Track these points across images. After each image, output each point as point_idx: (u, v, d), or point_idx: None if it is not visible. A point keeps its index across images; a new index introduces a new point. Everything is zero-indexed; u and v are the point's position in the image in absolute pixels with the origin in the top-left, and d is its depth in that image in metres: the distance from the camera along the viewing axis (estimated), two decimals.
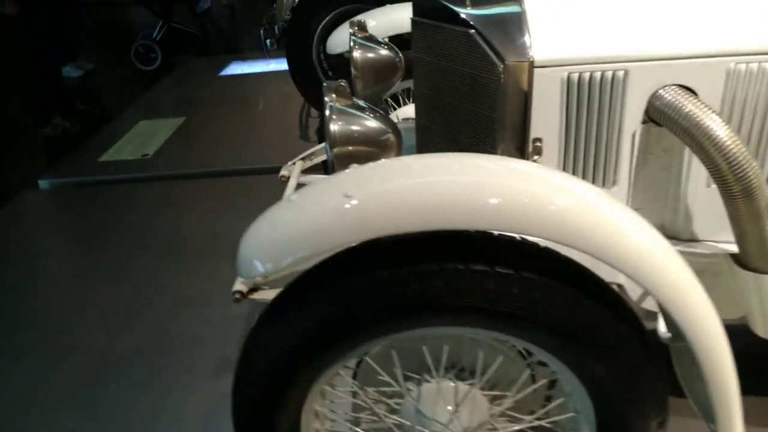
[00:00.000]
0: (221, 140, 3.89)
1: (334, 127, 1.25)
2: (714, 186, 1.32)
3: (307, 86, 3.76)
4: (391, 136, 1.29)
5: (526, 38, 1.28)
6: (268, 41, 3.71)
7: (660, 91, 1.26)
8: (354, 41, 1.82)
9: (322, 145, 2.12)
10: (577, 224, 0.90)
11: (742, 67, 1.22)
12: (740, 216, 1.18)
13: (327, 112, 1.26)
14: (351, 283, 0.95)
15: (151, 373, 1.95)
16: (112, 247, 2.75)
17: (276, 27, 3.72)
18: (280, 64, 5.57)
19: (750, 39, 1.21)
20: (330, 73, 3.71)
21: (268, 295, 1.50)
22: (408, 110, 2.35)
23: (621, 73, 1.26)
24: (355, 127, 1.25)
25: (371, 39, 1.82)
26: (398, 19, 2.11)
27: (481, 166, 0.94)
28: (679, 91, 1.24)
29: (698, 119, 1.18)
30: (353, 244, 0.92)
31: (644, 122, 1.30)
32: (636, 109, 1.29)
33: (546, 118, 1.32)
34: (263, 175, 3.35)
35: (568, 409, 1.13)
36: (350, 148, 1.24)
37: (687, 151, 1.33)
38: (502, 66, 1.28)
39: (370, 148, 1.26)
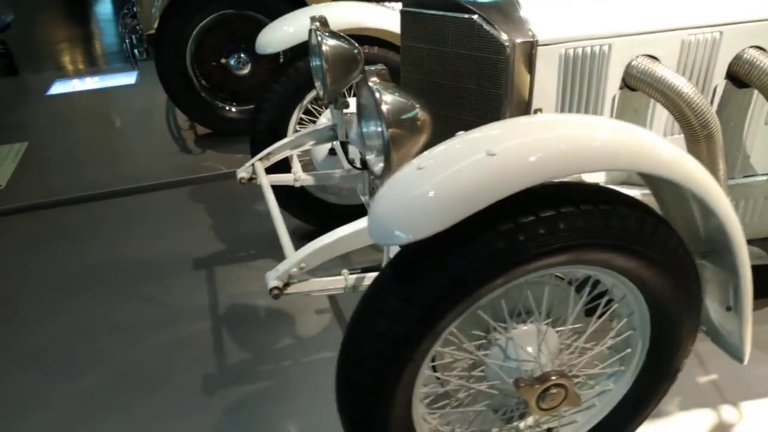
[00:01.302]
0: (86, 161, 3.53)
1: (386, 108, 1.31)
2: (674, 136, 1.65)
3: (182, 95, 3.58)
4: (428, 115, 1.38)
5: (527, 21, 1.47)
6: (136, 51, 3.45)
7: (633, 61, 1.52)
8: (319, 36, 1.85)
9: (278, 144, 2.11)
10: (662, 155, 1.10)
11: (691, 38, 1.54)
12: (702, 155, 1.49)
13: (376, 95, 1.31)
14: (494, 229, 1.04)
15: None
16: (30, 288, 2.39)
17: (140, 36, 3.47)
18: (114, 79, 5.18)
19: (698, 15, 1.53)
20: (203, 82, 3.58)
21: (302, 287, 1.51)
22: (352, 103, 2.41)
23: (606, 47, 1.50)
24: (421, 110, 1.32)
25: (334, 34, 1.87)
26: (353, 15, 2.17)
27: (580, 121, 1.10)
28: (648, 60, 1.52)
29: (669, 81, 1.46)
30: (501, 198, 1.01)
31: (621, 88, 1.57)
32: (615, 77, 1.54)
33: (545, 90, 1.52)
34: (158, 191, 3.14)
35: (627, 328, 1.33)
36: (404, 124, 1.31)
37: (650, 110, 1.62)
38: (511, 46, 1.45)
39: (418, 127, 1.34)
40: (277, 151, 2.09)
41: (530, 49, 1.47)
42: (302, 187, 2.45)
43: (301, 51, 2.30)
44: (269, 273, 1.51)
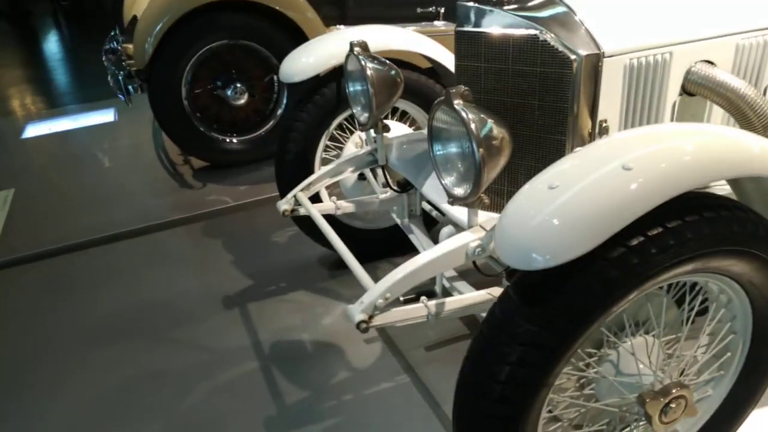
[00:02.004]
0: (80, 205, 3.38)
1: (475, 128, 1.28)
2: None
3: (180, 130, 3.48)
4: (509, 134, 1.36)
5: (591, 33, 1.47)
6: (131, 87, 3.33)
7: (693, 67, 1.55)
8: (363, 60, 1.82)
9: (319, 173, 2.06)
10: None
11: (746, 41, 1.57)
12: None
13: (464, 115, 1.29)
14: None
15: None
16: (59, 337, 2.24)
17: (129, 72, 3.36)
18: (91, 118, 5.02)
19: (750, 19, 1.56)
20: (198, 114, 3.49)
21: (387, 318, 1.45)
22: (397, 128, 2.38)
23: (668, 55, 1.52)
24: (499, 127, 1.30)
25: (376, 58, 1.85)
26: (387, 38, 2.14)
27: (707, 131, 1.11)
28: (707, 65, 1.55)
29: (731, 84, 1.49)
30: (642, 214, 0.99)
31: (680, 94, 1.59)
32: (675, 83, 1.56)
33: (611, 101, 1.53)
34: (165, 230, 3.02)
35: (729, 332, 1.33)
36: (492, 143, 1.29)
37: (706, 114, 1.65)
38: (578, 60, 1.45)
39: (503, 147, 1.32)
40: (318, 180, 2.03)
41: (597, 62, 1.47)
42: (330, 214, 2.41)
43: (327, 78, 2.28)
44: (352, 307, 1.46)
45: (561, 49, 1.47)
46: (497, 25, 1.58)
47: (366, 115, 1.90)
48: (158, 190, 3.48)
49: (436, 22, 3.99)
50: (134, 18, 4.10)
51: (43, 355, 2.21)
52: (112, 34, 4.13)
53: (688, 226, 1.06)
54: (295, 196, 2.01)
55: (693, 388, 1.39)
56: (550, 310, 1.04)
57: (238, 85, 3.50)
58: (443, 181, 1.45)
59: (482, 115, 1.32)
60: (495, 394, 1.08)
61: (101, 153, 4.19)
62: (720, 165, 1.04)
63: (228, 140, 3.57)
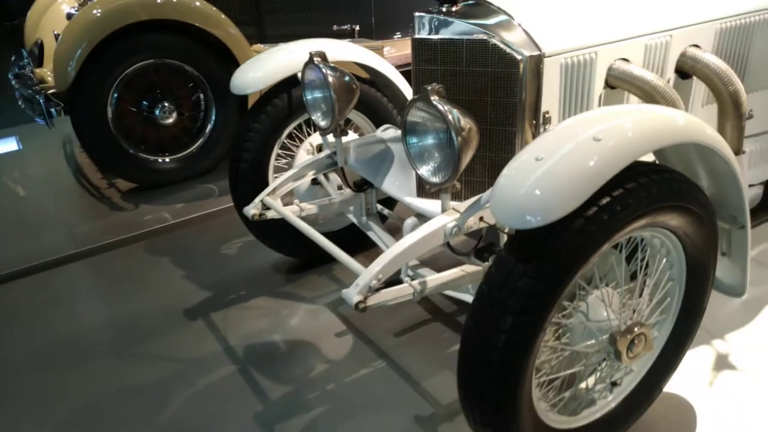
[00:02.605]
0: (4, 236, 3.21)
1: (452, 119, 1.46)
2: None
3: (107, 154, 3.41)
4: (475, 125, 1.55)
5: (532, 37, 1.71)
6: (53, 110, 3.20)
7: (613, 64, 1.83)
8: (324, 68, 1.95)
9: (283, 178, 2.15)
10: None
11: (651, 42, 1.88)
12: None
13: (441, 108, 1.46)
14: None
15: None
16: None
17: (47, 95, 3.23)
18: None
19: (655, 22, 1.87)
20: (125, 136, 3.43)
21: (380, 298, 1.59)
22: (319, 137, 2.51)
23: (594, 54, 1.79)
24: (466, 118, 1.48)
25: (334, 67, 1.99)
26: (335, 50, 2.27)
27: (646, 109, 1.35)
28: (624, 62, 1.83)
29: (645, 78, 1.78)
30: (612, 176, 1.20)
31: (604, 87, 1.86)
32: (600, 78, 1.84)
33: (551, 95, 1.77)
34: (106, 252, 2.95)
35: (668, 280, 1.59)
36: (466, 133, 1.47)
37: (625, 103, 1.93)
38: (523, 60, 1.68)
39: (474, 135, 1.51)
40: (282, 184, 2.13)
41: (539, 61, 1.71)
42: (283, 221, 2.50)
43: (277, 89, 2.38)
44: (347, 291, 1.57)
45: (509, 51, 1.69)
46: (450, 32, 1.78)
47: (327, 120, 2.03)
48: (87, 215, 3.38)
49: (351, 39, 4.17)
50: (39, 41, 3.98)
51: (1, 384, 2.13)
52: (14, 58, 3.97)
53: (641, 187, 1.29)
54: (262, 200, 2.10)
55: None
56: (543, 264, 1.23)
57: (166, 104, 3.49)
58: (419, 172, 1.62)
59: (455, 109, 1.50)
60: (500, 342, 1.26)
61: (12, 182, 3.97)
62: (664, 134, 1.29)
63: (160, 160, 3.54)
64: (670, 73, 1.97)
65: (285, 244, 2.58)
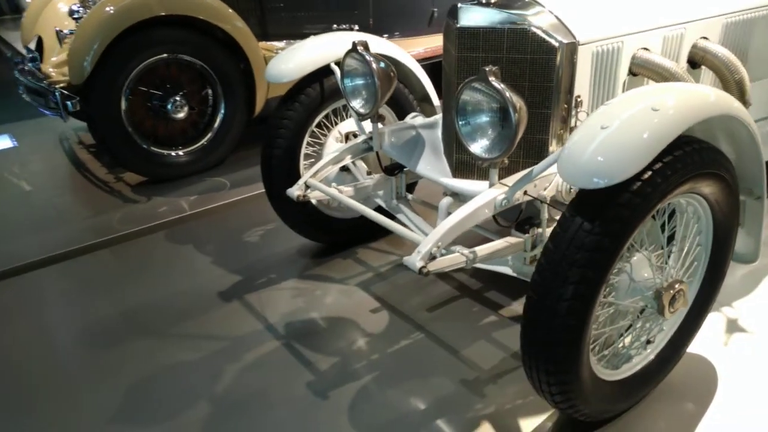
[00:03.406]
0: (21, 228, 3.21)
1: (511, 98, 1.60)
2: None
3: (122, 148, 3.45)
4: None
5: (568, 26, 1.86)
6: (69, 103, 3.21)
7: (636, 53, 2.00)
8: (368, 56, 2.07)
9: (323, 162, 2.25)
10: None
11: (669, 34, 2.06)
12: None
13: (499, 87, 1.60)
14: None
15: None
16: None
17: (52, 89, 3.24)
18: None
19: (671, 15, 2.05)
20: (130, 129, 3.47)
21: (440, 264, 1.71)
22: (348, 124, 2.62)
23: (620, 44, 1.96)
24: (518, 97, 1.63)
25: (376, 56, 2.11)
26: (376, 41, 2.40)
27: (688, 87, 1.52)
28: (645, 51, 2.01)
29: (666, 66, 1.96)
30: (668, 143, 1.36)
31: (628, 74, 2.03)
32: (625, 66, 2.01)
33: (582, 80, 1.93)
34: (130, 240, 2.99)
35: (697, 246, 1.75)
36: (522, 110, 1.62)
37: None
38: (561, 47, 1.83)
39: (525, 113, 1.65)
40: (324, 167, 2.24)
41: (573, 49, 1.87)
42: (314, 207, 2.61)
43: (309, 79, 2.48)
44: (409, 258, 1.69)
45: (547, 39, 1.84)
46: (491, 21, 1.92)
47: (369, 106, 2.15)
48: (100, 208, 3.40)
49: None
50: (37, 38, 3.99)
51: (47, 364, 2.17)
52: (10, 54, 3.97)
53: (686, 155, 1.45)
54: (305, 182, 2.20)
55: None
56: (607, 221, 1.38)
57: (177, 99, 3.55)
58: (472, 149, 1.75)
59: (509, 89, 1.64)
60: (568, 293, 1.40)
61: (16, 178, 3.96)
62: (708, 106, 1.46)
63: (173, 153, 3.60)
64: (683, 63, 2.16)
65: (311, 228, 2.68)
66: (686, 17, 2.09)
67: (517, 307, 2.31)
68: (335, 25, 4.25)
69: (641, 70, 2.01)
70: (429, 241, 1.70)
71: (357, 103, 2.21)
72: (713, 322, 2.16)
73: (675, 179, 1.44)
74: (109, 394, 2.01)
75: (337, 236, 2.77)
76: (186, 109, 3.59)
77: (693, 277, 1.81)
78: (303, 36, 4.07)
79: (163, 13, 3.28)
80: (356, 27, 4.30)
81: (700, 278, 1.81)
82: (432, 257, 1.70)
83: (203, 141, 3.69)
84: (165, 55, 3.43)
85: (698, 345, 2.00)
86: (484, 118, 1.71)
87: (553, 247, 1.44)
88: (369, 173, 2.50)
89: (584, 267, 1.39)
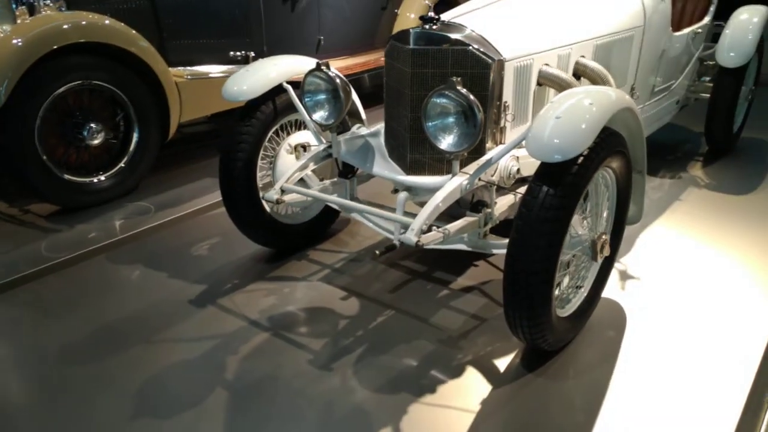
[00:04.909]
0: None
1: (473, 99, 2.04)
2: None
3: (38, 179, 3.35)
4: None
5: (495, 47, 2.36)
6: None
7: (542, 68, 2.57)
8: (332, 73, 2.41)
9: (293, 170, 2.54)
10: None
11: (561, 53, 2.65)
12: None
13: (464, 92, 2.03)
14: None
15: None
16: None
17: None
18: None
19: (563, 38, 2.65)
20: (44, 158, 3.40)
21: (427, 239, 2.09)
22: (301, 136, 2.89)
23: (532, 61, 2.50)
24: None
25: (337, 74, 2.44)
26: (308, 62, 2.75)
27: (601, 88, 2.06)
28: (547, 67, 2.58)
29: (567, 79, 2.55)
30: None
31: (536, 85, 2.59)
32: (535, 78, 2.56)
33: (508, 90, 2.44)
34: (70, 267, 2.96)
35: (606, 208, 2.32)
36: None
37: (546, 96, 2.67)
38: (493, 63, 2.33)
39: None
40: (294, 174, 2.51)
41: (502, 65, 2.37)
42: (269, 215, 2.85)
43: (263, 97, 2.73)
44: (405, 235, 2.05)
45: (483, 57, 2.33)
46: (436, 43, 2.36)
47: (332, 118, 2.48)
48: (21, 241, 3.26)
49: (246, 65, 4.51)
50: None
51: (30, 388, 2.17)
52: None
53: (607, 137, 2.01)
54: (281, 187, 2.46)
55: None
56: (566, 186, 1.87)
57: (92, 125, 3.54)
58: (441, 146, 2.16)
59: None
60: (543, 243, 1.86)
61: None
62: (620, 101, 2.03)
63: (96, 180, 3.57)
64: (570, 75, 2.78)
65: (268, 234, 2.91)
66: (572, 40, 2.71)
67: (462, 281, 2.75)
68: (231, 53, 4.47)
69: (545, 81, 2.59)
70: (419, 220, 2.08)
71: (319, 116, 2.52)
72: (613, 274, 2.77)
73: (603, 155, 1.98)
74: (116, 401, 2.09)
75: (289, 241, 3.02)
76: (101, 135, 3.59)
77: (607, 229, 2.39)
78: (202, 63, 4.31)
79: (82, 40, 3.31)
80: (252, 54, 4.56)
81: (608, 231, 2.39)
82: (422, 233, 2.09)
83: (121, 164, 3.70)
84: (79, 81, 3.43)
85: (607, 291, 2.59)
86: (450, 119, 2.14)
87: (526, 211, 1.90)
88: (322, 179, 2.82)
89: (553, 221, 1.86)
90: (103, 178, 3.61)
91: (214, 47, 4.40)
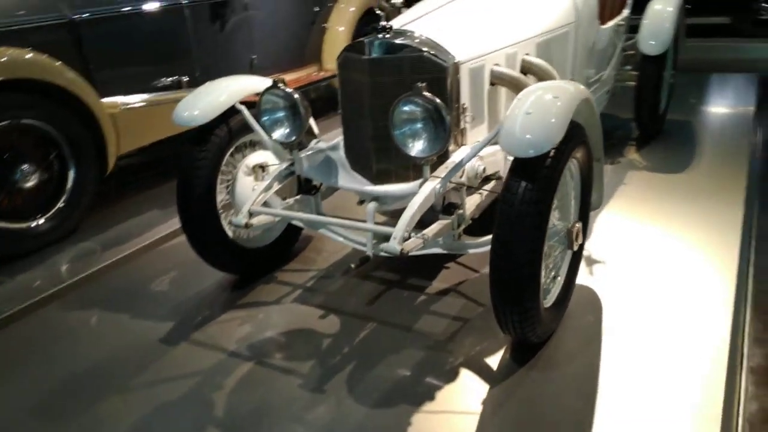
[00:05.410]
0: None
1: (440, 104, 2.05)
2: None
3: None
4: None
5: (449, 50, 2.39)
6: None
7: (493, 68, 2.62)
8: (292, 92, 2.36)
9: (258, 192, 2.47)
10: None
11: (509, 52, 2.72)
12: None
13: (431, 97, 2.04)
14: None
15: None
16: None
17: None
18: None
19: (509, 38, 2.72)
20: None
21: (410, 245, 2.08)
22: (257, 156, 2.81)
23: (484, 62, 2.55)
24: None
25: (294, 91, 2.40)
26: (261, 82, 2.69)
27: (563, 83, 2.13)
28: (498, 67, 2.64)
29: (516, 77, 2.62)
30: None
31: (489, 85, 2.64)
32: (487, 79, 2.61)
33: (464, 91, 2.48)
34: (29, 315, 2.74)
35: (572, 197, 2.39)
36: None
37: (500, 94, 2.73)
38: (449, 67, 2.35)
39: None
40: (260, 196, 2.44)
41: (457, 68, 2.40)
42: (232, 240, 2.76)
43: (216, 121, 2.64)
44: (387, 245, 2.03)
45: (439, 61, 2.35)
46: (394, 51, 2.36)
47: (294, 135, 2.43)
48: None
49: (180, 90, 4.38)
50: None
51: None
52: None
53: (572, 130, 2.06)
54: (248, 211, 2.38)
55: None
56: (542, 179, 1.91)
57: (25, 166, 3.32)
58: (412, 153, 2.15)
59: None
60: (526, 234, 1.90)
61: None
62: (580, 93, 2.09)
63: (36, 223, 3.33)
64: (518, 73, 2.85)
65: (231, 260, 2.82)
66: (516, 39, 2.79)
67: (437, 284, 2.76)
68: (164, 79, 4.32)
69: (497, 81, 2.64)
70: (400, 228, 2.07)
71: (279, 134, 2.47)
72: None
73: (571, 146, 2.04)
74: None
75: (254, 264, 2.93)
76: (36, 175, 3.37)
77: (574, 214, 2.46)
78: (135, 92, 4.13)
79: (9, 77, 3.10)
80: (185, 78, 4.43)
81: (575, 219, 2.47)
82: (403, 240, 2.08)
83: (59, 205, 3.48)
84: (6, 122, 3.21)
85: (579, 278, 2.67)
86: (418, 125, 2.15)
87: (507, 207, 1.93)
88: (284, 198, 2.75)
89: (534, 215, 1.90)
90: (41, 221, 3.39)
91: (145, 74, 4.23)
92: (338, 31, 5.62)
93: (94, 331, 2.66)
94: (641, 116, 4.39)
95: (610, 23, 3.95)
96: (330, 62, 5.68)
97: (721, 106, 5.48)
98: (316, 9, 5.53)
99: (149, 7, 4.18)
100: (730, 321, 2.36)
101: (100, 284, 3.06)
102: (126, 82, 4.09)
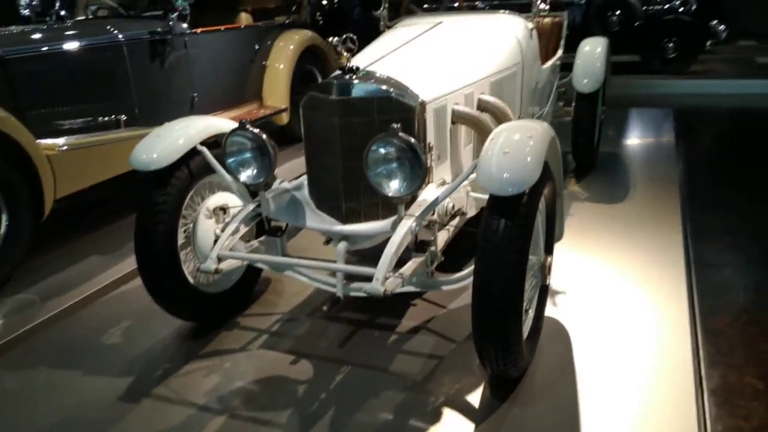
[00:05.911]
0: None
1: (415, 143, 2.07)
2: (470, 144, 2.88)
3: None
4: None
5: (416, 91, 2.43)
6: None
7: (453, 107, 2.68)
8: (258, 132, 2.31)
9: (225, 236, 2.39)
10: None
11: (467, 92, 2.80)
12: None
13: (406, 138, 2.06)
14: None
15: None
16: None
17: None
18: None
19: (466, 79, 2.80)
20: None
21: (390, 285, 2.07)
22: (218, 198, 2.71)
23: (446, 102, 2.61)
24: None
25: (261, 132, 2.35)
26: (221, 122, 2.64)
27: (533, 122, 2.21)
28: (458, 106, 2.71)
29: (475, 115, 2.69)
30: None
31: (451, 124, 2.69)
32: (449, 118, 2.67)
33: (430, 130, 2.52)
34: None
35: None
36: None
37: (460, 131, 2.79)
38: (416, 107, 2.39)
39: None
40: (226, 240, 2.35)
41: (423, 107, 2.45)
42: (193, 286, 2.64)
43: (176, 164, 2.54)
44: (370, 286, 2.00)
45: (406, 101, 2.38)
46: (360, 92, 2.37)
47: (262, 176, 2.37)
48: None
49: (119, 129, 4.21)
50: None
51: None
52: None
53: (545, 167, 2.13)
54: (218, 255, 2.29)
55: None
56: (521, 216, 1.96)
57: None
58: (388, 192, 2.15)
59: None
60: (508, 270, 1.93)
61: None
62: (549, 132, 2.17)
63: None
64: (477, 111, 2.94)
65: (191, 306, 2.69)
66: (473, 79, 2.88)
67: (407, 322, 2.74)
68: (101, 118, 4.15)
69: (458, 119, 2.71)
70: (381, 269, 2.06)
71: (246, 176, 2.41)
72: None
73: (543, 183, 2.11)
74: None
75: (213, 310, 2.81)
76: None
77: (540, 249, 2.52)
78: (72, 132, 3.92)
79: None
80: (123, 117, 4.27)
81: (542, 252, 2.54)
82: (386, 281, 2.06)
83: None
84: None
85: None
86: (393, 165, 2.15)
87: (488, 244, 1.96)
88: (248, 241, 2.67)
89: (514, 252, 1.94)
90: None
91: (83, 114, 4.04)
92: (278, 69, 5.61)
93: (41, 393, 2.44)
94: (578, 149, 4.61)
95: (548, 63, 4.16)
96: (270, 99, 5.66)
97: (645, 138, 5.86)
98: (256, 47, 5.51)
99: (86, 45, 4.04)
100: (689, 343, 2.49)
101: (42, 340, 2.84)
102: (63, 122, 3.89)
